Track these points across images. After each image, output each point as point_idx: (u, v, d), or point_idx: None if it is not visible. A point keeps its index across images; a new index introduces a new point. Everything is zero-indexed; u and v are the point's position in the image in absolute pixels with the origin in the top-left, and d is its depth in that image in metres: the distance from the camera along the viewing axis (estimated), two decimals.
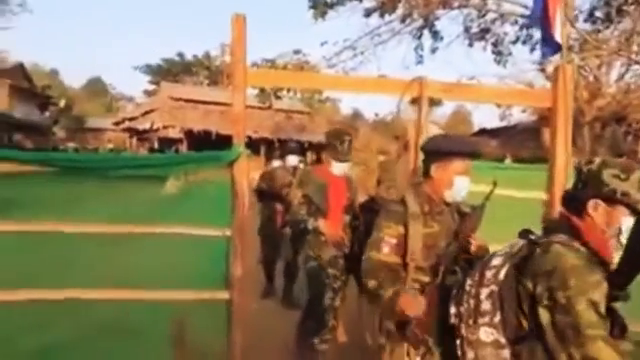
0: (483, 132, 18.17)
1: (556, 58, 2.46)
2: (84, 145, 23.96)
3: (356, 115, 28.69)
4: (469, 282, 1.22)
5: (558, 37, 2.21)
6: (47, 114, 23.44)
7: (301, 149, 4.58)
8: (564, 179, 2.17)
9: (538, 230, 1.26)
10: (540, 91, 3.21)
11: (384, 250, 1.52)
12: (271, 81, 3.37)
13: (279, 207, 3.97)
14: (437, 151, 1.55)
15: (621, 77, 9.61)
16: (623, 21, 7.93)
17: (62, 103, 26.96)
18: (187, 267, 2.06)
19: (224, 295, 2.03)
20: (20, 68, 21.34)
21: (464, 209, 1.60)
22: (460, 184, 1.53)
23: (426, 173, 1.60)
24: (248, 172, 2.04)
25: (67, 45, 79.91)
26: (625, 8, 7.66)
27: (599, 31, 8.15)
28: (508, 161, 11.76)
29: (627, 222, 1.10)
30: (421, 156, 1.69)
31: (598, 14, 8.11)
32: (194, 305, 2.04)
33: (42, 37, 75.49)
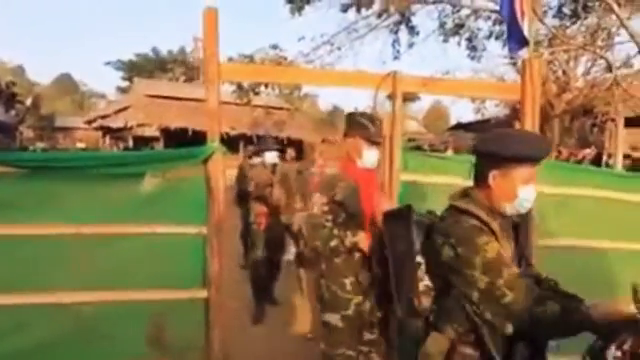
0: (459, 126, 18.59)
1: (526, 52, 2.53)
2: (54, 145, 23.02)
3: (335, 110, 28.75)
4: (616, 353, 0.88)
5: (525, 32, 2.28)
6: (13, 112, 22.38)
7: (281, 145, 4.37)
8: None
9: None
10: (511, 85, 3.31)
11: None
12: (246, 76, 3.34)
13: (262, 209, 3.66)
14: (498, 155, 1.22)
15: (587, 71, 10.02)
16: (589, 17, 8.26)
17: (29, 101, 25.78)
18: (164, 266, 2.03)
19: (202, 294, 2.01)
20: None
21: (515, 219, 1.32)
22: (525, 195, 1.24)
23: (480, 180, 1.28)
24: (224, 169, 2.02)
25: (33, 40, 76.39)
26: (590, 4, 7.97)
27: (567, 27, 8.45)
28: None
29: None
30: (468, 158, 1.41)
31: (566, 10, 8.41)
32: (172, 304, 2.01)
33: (5, 32, 71.86)
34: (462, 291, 1.21)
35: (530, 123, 2.23)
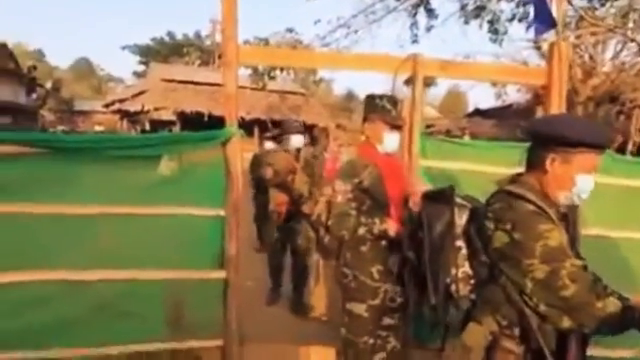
0: (477, 112, 18.13)
1: (551, 35, 2.42)
2: (73, 128, 23.56)
3: (350, 96, 28.41)
4: None
5: (554, 13, 2.17)
6: (34, 96, 22.90)
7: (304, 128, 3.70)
8: None
9: None
10: (535, 69, 3.20)
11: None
12: (264, 59, 3.31)
13: (283, 197, 3.38)
14: (560, 138, 1.12)
15: (616, 55, 9.58)
16: None
17: (49, 85, 26.32)
18: (182, 247, 2.08)
19: (220, 274, 2.06)
20: (4, 48, 20.63)
21: (563, 209, 1.24)
22: (584, 185, 1.15)
23: (534, 164, 1.19)
24: (241, 152, 2.03)
25: (51, 24, 77.32)
26: None
27: (596, 8, 8.04)
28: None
29: None
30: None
31: None
32: (190, 284, 2.06)
33: (25, 16, 72.85)
34: (513, 280, 1.12)
35: (556, 109, 2.15)
